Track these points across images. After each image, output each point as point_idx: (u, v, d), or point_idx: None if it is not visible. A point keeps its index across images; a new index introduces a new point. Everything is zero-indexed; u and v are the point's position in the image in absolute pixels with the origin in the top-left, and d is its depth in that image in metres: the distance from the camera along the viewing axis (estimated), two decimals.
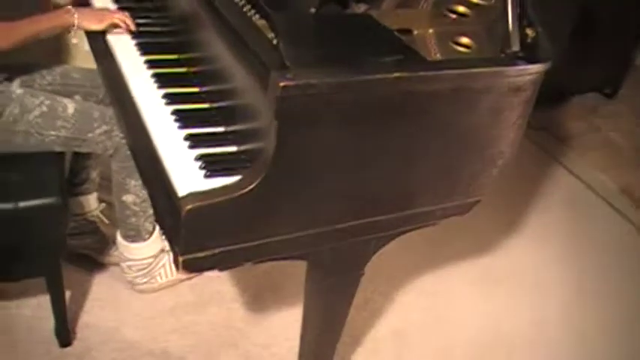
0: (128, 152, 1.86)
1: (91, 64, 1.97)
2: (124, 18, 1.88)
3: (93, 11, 1.92)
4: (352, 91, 1.21)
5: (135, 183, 1.92)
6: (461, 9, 1.85)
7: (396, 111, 1.29)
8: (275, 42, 1.40)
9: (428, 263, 2.55)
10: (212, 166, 1.35)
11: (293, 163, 1.23)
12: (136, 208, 1.97)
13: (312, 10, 1.42)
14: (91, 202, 2.26)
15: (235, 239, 1.26)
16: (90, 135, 1.81)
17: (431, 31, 1.70)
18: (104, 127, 1.83)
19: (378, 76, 1.21)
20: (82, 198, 2.22)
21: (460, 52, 1.66)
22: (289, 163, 1.23)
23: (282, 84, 1.12)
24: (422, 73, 1.27)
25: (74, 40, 1.90)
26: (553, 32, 2.10)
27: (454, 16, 1.81)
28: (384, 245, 1.59)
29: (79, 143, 1.82)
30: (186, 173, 1.34)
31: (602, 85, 4.06)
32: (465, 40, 1.70)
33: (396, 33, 1.49)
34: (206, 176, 1.33)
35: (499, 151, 1.54)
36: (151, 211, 2.02)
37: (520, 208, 2.98)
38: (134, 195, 1.94)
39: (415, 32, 1.68)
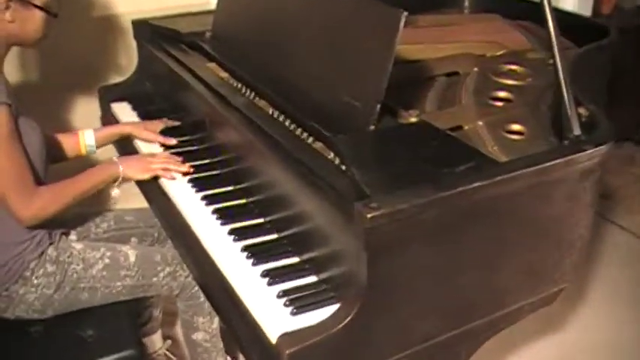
0: (194, 290, 1.85)
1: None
2: (170, 166, 1.81)
3: (138, 160, 1.86)
4: (436, 208, 1.19)
5: (203, 320, 1.89)
6: (502, 94, 1.85)
7: (477, 217, 1.27)
8: (337, 163, 1.39)
9: (504, 345, 2.49)
10: (297, 302, 1.31)
11: (385, 288, 1.20)
12: (207, 345, 1.93)
13: (371, 127, 1.40)
14: (156, 342, 2.23)
15: None
16: (155, 279, 1.80)
17: (480, 123, 1.68)
18: (167, 269, 1.81)
19: (460, 189, 1.20)
20: (147, 339, 2.18)
21: (515, 140, 1.64)
22: (382, 290, 1.20)
23: (369, 215, 1.10)
24: (499, 178, 1.25)
25: (114, 192, 1.85)
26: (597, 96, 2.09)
27: (499, 103, 1.81)
28: (474, 351, 1.54)
29: (145, 289, 1.80)
30: (273, 312, 1.31)
31: (633, 133, 4.04)
32: (516, 126, 1.68)
33: (458, 138, 1.47)
34: (293, 314, 1.30)
35: (578, 235, 1.51)
36: (221, 345, 1.99)
37: (583, 276, 2.91)
38: (203, 332, 1.91)
39: (466, 127, 1.67)
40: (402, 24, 1.35)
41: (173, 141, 1.98)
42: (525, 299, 1.49)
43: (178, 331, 2.33)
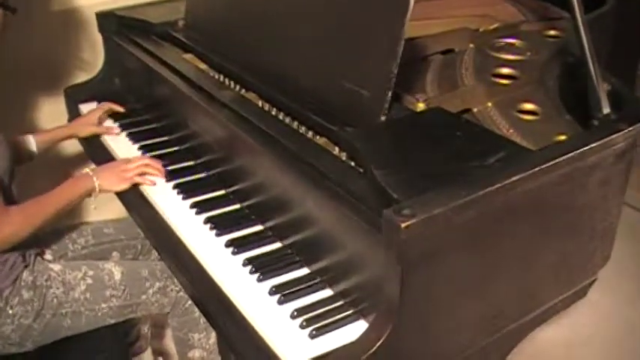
0: (187, 304, 1.69)
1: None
2: (148, 169, 1.66)
3: (112, 170, 1.68)
4: (471, 208, 1.03)
5: (199, 336, 1.73)
6: (505, 71, 1.71)
7: (513, 214, 1.13)
8: (344, 159, 1.24)
9: None
10: (315, 322, 1.16)
11: (420, 302, 1.06)
12: None
13: (383, 118, 1.25)
14: None
15: None
16: (144, 297, 1.63)
17: (490, 104, 1.54)
18: (157, 285, 1.65)
19: (497, 185, 1.05)
20: (137, 358, 2.01)
21: (530, 120, 1.51)
22: (415, 305, 1.05)
23: (404, 225, 0.94)
24: (537, 169, 1.10)
25: (93, 206, 1.70)
26: None
27: (504, 81, 1.67)
28: (506, 356, 1.40)
29: (133, 309, 1.63)
30: (288, 336, 1.16)
31: None
32: (528, 106, 1.55)
33: (481, 125, 1.33)
34: (312, 336, 1.14)
35: (610, 222, 1.38)
36: None
37: None
38: (200, 349, 1.75)
39: (475, 110, 1.53)
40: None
41: (119, 108, 2.00)
42: (560, 295, 1.36)
43: (169, 344, 2.18)
